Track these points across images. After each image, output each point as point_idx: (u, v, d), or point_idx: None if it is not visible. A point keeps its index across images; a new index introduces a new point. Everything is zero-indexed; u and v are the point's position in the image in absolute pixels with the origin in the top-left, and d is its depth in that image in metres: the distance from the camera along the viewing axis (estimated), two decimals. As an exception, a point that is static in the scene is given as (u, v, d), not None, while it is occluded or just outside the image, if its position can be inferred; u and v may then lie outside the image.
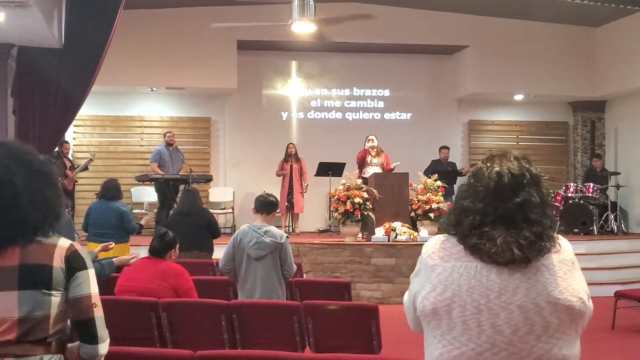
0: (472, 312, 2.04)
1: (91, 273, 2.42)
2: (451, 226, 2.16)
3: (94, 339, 2.39)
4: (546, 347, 2.05)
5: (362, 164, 11.81)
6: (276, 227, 6.21)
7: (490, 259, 2.04)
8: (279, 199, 6.99)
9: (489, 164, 2.18)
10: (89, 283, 2.39)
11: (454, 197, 2.29)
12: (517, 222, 2.06)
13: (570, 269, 2.12)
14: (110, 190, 8.43)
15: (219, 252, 8.86)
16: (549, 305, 2.04)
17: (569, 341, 2.10)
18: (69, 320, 2.43)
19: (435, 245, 2.18)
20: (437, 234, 2.31)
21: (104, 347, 2.42)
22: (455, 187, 13.76)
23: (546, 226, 2.09)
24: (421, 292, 2.14)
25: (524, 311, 2.03)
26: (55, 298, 2.33)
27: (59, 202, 2.44)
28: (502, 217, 2.07)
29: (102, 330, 2.42)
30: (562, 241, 2.14)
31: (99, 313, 2.41)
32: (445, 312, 2.07)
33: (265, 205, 5.94)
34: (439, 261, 2.13)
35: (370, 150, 11.85)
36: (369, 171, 11.64)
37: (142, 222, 8.77)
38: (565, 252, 2.14)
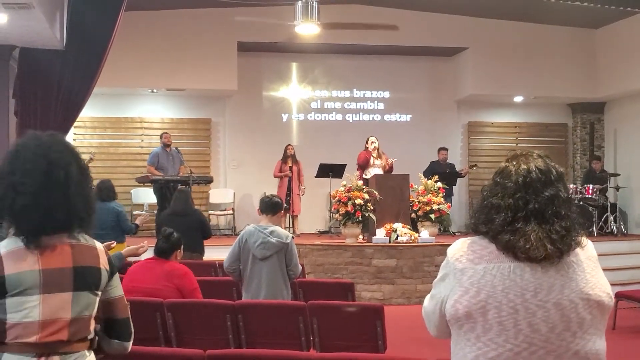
0: (509, 312, 2.05)
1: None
2: (482, 224, 2.16)
3: (129, 336, 2.53)
4: (582, 343, 2.07)
5: (364, 165, 11.82)
6: (278, 228, 6.22)
7: (525, 256, 2.05)
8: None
9: (514, 162, 2.21)
10: (120, 284, 2.54)
11: (480, 196, 2.28)
12: (547, 217, 2.09)
13: (596, 265, 2.16)
14: (105, 191, 8.45)
15: (208, 253, 8.97)
16: (583, 302, 2.06)
17: (600, 336, 2.13)
18: None
19: (462, 249, 2.18)
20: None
21: (130, 345, 2.56)
22: (455, 188, 13.79)
23: (574, 220, 2.12)
24: (451, 296, 2.13)
25: (560, 308, 2.05)
26: (98, 299, 2.42)
27: (95, 202, 2.52)
28: (534, 212, 2.09)
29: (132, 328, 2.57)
30: (586, 239, 2.17)
31: (129, 312, 2.55)
32: (480, 314, 2.07)
33: (270, 206, 5.97)
34: (468, 264, 2.13)
35: (372, 152, 11.87)
36: (371, 172, 11.65)
37: (138, 221, 8.81)
38: (589, 249, 2.17)
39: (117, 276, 2.51)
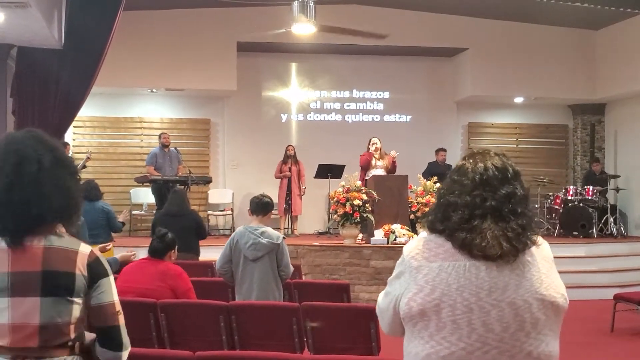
0: (463, 311, 2.04)
1: (112, 279, 2.40)
2: (438, 222, 2.15)
3: (119, 346, 2.38)
4: (535, 344, 2.06)
5: (367, 167, 11.78)
6: (275, 229, 6.19)
7: (481, 254, 2.05)
8: (277, 201, 6.98)
9: (471, 160, 2.21)
10: (112, 290, 2.38)
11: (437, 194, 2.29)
12: (504, 215, 2.09)
13: (551, 266, 2.16)
14: (92, 191, 8.46)
15: (206, 254, 8.96)
16: (537, 302, 2.06)
17: (554, 337, 2.12)
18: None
19: (418, 246, 2.17)
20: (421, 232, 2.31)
21: (126, 354, 2.41)
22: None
23: (530, 218, 2.12)
24: (405, 294, 2.12)
25: (514, 308, 2.04)
26: (77, 305, 2.31)
27: (79, 195, 2.43)
28: (490, 210, 2.09)
29: (126, 337, 2.40)
30: (541, 238, 2.18)
31: (122, 320, 2.40)
32: (434, 312, 2.06)
33: (260, 206, 5.93)
34: (424, 262, 2.12)
35: (374, 153, 11.84)
36: (373, 174, 11.63)
37: (121, 218, 8.81)
38: (545, 249, 2.17)
39: (104, 282, 2.36)
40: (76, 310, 2.30)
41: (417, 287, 2.10)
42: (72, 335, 2.32)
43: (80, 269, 2.31)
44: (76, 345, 2.34)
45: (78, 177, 2.47)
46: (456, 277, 2.06)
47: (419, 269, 2.12)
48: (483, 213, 2.08)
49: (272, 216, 6.66)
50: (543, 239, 2.19)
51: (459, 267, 2.07)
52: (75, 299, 2.30)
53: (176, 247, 5.74)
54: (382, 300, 2.26)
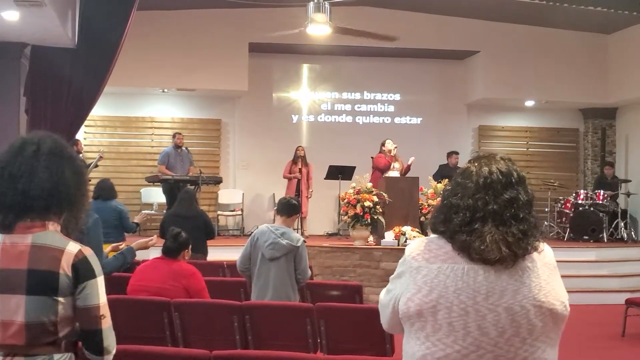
0: (459, 313, 2.04)
1: (100, 281, 2.35)
2: (440, 223, 2.16)
3: (100, 351, 2.34)
4: (530, 350, 2.05)
5: (385, 170, 11.73)
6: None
7: (479, 257, 2.04)
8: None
9: (476, 164, 2.20)
10: (97, 292, 2.33)
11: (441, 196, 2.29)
12: (505, 219, 2.08)
13: (553, 273, 2.14)
14: (106, 190, 8.47)
15: (216, 254, 8.96)
16: (535, 308, 2.05)
17: (552, 345, 2.11)
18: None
19: (419, 247, 2.17)
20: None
21: (109, 358, 2.37)
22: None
23: (532, 224, 2.11)
24: (405, 293, 2.13)
25: (511, 313, 2.03)
26: (63, 304, 2.28)
27: (77, 189, 2.40)
28: (492, 214, 2.08)
29: (109, 341, 2.36)
30: (544, 245, 2.16)
31: (106, 324, 2.35)
32: (430, 313, 2.07)
33: (285, 207, 5.92)
34: (424, 263, 2.12)
35: (392, 157, 11.82)
36: (387, 175, 11.60)
37: (137, 220, 8.83)
38: (547, 255, 2.16)
39: (90, 284, 2.31)
40: (62, 310, 2.28)
41: (416, 287, 2.10)
42: (60, 334, 2.30)
43: (65, 268, 2.28)
44: (63, 343, 2.31)
45: (82, 175, 2.45)
46: (454, 280, 2.06)
47: (418, 269, 2.12)
48: (484, 216, 2.08)
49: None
50: (547, 245, 2.17)
51: (457, 270, 2.07)
52: (60, 299, 2.28)
53: (190, 246, 5.75)
54: (384, 297, 2.27)
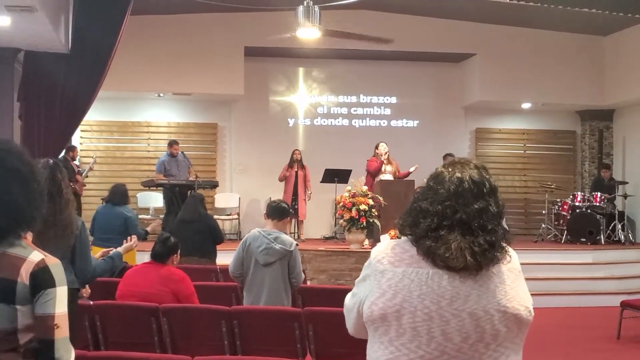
0: (423, 318, 2.02)
1: (59, 291, 2.31)
2: (407, 227, 2.13)
3: None
4: (494, 356, 2.04)
5: (376, 173, 11.74)
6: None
7: (443, 264, 2.02)
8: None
9: (450, 169, 2.16)
10: (55, 302, 2.29)
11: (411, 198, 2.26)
12: (473, 229, 2.05)
13: (517, 278, 2.12)
14: (117, 195, 8.41)
15: (223, 258, 8.92)
16: (499, 314, 2.03)
17: (516, 351, 2.10)
18: None
19: (385, 250, 2.15)
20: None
21: None
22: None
23: (500, 236, 2.08)
24: (369, 297, 2.11)
25: (475, 319, 2.01)
26: (22, 312, 2.26)
27: (31, 206, 2.36)
28: (460, 222, 2.06)
29: (61, 352, 2.31)
30: (511, 251, 2.14)
31: (60, 334, 2.30)
32: (394, 317, 2.05)
33: (276, 211, 5.86)
34: (389, 266, 2.10)
35: (384, 159, 11.81)
36: (381, 179, 11.59)
37: (149, 228, 8.73)
38: (513, 260, 2.14)
39: (48, 293, 2.28)
40: (22, 318, 2.26)
41: (380, 291, 2.08)
42: (21, 342, 2.27)
43: (23, 277, 2.26)
44: (23, 351, 2.28)
45: (33, 184, 2.38)
46: (418, 284, 2.04)
47: (383, 273, 2.10)
48: (451, 224, 2.06)
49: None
50: (512, 250, 2.15)
51: (421, 274, 2.04)
52: (19, 307, 2.25)
53: (179, 251, 5.73)
54: (349, 301, 2.25)
